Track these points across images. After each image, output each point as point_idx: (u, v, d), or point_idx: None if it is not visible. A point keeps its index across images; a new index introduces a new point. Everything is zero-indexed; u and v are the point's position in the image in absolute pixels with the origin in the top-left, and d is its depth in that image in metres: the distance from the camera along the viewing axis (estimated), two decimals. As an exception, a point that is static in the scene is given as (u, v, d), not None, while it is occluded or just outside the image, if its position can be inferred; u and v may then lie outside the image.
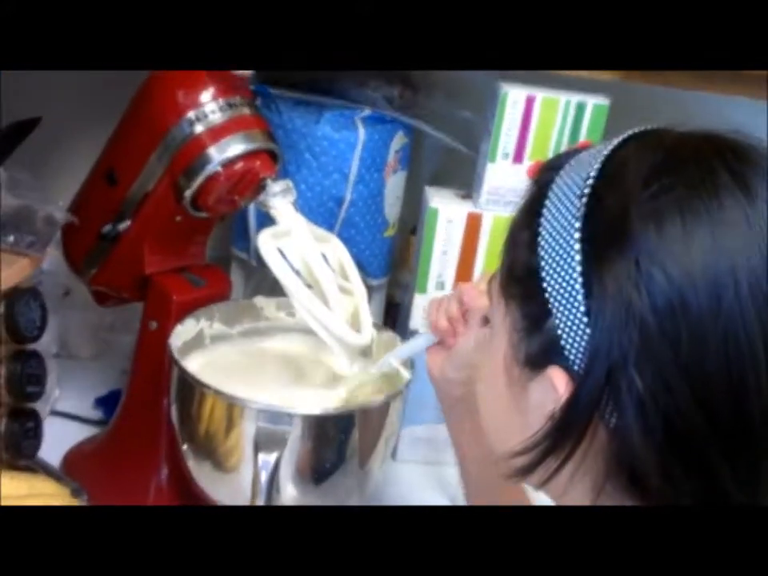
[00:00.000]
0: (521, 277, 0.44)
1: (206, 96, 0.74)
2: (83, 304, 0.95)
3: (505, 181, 0.86)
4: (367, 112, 0.91)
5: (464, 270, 0.89)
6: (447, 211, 0.88)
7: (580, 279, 0.40)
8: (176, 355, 0.72)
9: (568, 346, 0.41)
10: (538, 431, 0.42)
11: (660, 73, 0.81)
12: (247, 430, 0.67)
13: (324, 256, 0.75)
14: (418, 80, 0.97)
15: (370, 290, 0.97)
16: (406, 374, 0.73)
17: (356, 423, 0.69)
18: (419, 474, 0.92)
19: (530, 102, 0.84)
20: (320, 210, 0.93)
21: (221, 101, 0.74)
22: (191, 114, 0.73)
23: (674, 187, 0.39)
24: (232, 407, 0.68)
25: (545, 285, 0.42)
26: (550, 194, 0.43)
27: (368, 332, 0.73)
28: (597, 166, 0.42)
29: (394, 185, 0.96)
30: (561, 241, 0.41)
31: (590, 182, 0.42)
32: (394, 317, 1.04)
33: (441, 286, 0.89)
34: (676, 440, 0.39)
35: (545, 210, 0.43)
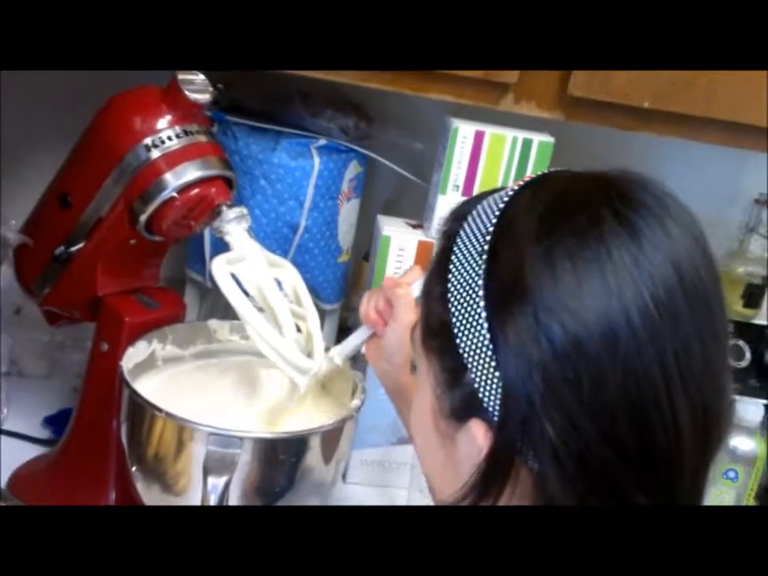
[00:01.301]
0: (436, 331, 0.46)
1: (163, 122, 0.75)
2: (34, 322, 0.95)
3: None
4: (323, 141, 0.94)
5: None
6: (399, 239, 0.90)
7: (488, 335, 0.42)
8: (127, 377, 0.73)
9: (486, 399, 0.43)
10: (467, 481, 0.44)
11: (599, 114, 0.85)
12: (197, 452, 0.68)
13: (278, 281, 0.77)
14: (373, 112, 1.00)
15: (324, 314, 0.99)
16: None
17: (308, 446, 0.70)
18: (369, 496, 0.93)
19: (479, 137, 0.88)
20: (275, 236, 0.94)
21: (177, 128, 0.76)
22: (148, 140, 0.75)
23: (563, 239, 0.42)
24: (182, 430, 0.69)
25: (458, 341, 0.44)
26: (455, 249, 0.46)
27: (319, 357, 0.75)
28: (494, 220, 0.45)
29: (348, 212, 0.99)
30: (468, 298, 0.44)
31: (488, 237, 0.44)
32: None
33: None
34: (590, 477, 0.41)
35: (451, 266, 0.45)
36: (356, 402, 0.76)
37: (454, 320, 0.44)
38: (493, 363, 0.42)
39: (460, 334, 0.44)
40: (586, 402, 0.41)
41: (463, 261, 0.45)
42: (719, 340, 0.44)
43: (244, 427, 0.71)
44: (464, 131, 0.88)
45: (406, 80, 0.83)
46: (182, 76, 0.75)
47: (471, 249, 0.45)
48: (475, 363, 0.43)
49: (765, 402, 1.03)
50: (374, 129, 0.99)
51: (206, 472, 0.67)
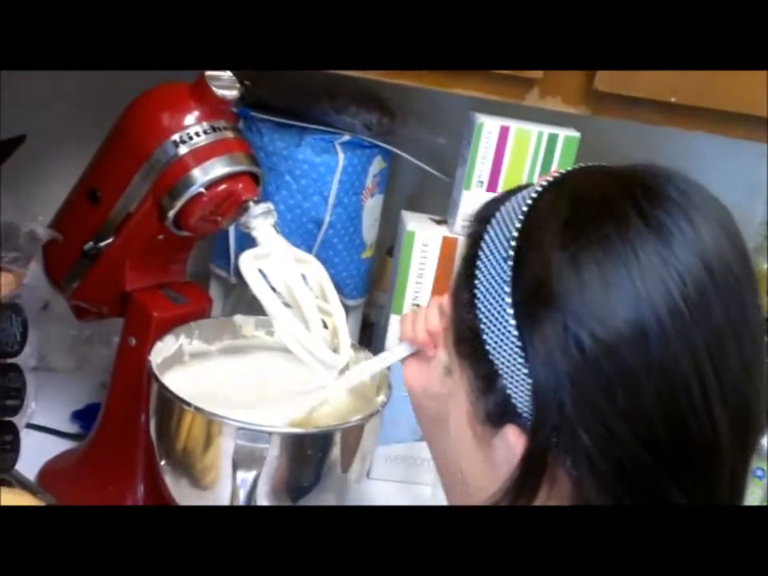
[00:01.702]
0: (467, 338, 0.45)
1: (191, 119, 0.76)
2: (61, 317, 0.96)
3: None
4: (347, 137, 0.94)
5: (439, 293, 0.91)
6: (423, 235, 0.90)
7: (518, 342, 0.42)
8: (156, 371, 0.74)
9: (520, 405, 0.42)
10: (503, 484, 0.44)
11: (625, 109, 0.85)
12: (225, 447, 0.69)
13: (303, 277, 0.77)
14: (396, 107, 1.00)
15: (347, 310, 0.99)
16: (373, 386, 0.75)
17: (334, 442, 0.71)
18: (393, 492, 0.94)
19: (503, 132, 0.88)
20: (299, 232, 0.95)
21: (205, 124, 0.76)
22: (176, 137, 0.75)
23: (589, 244, 0.41)
24: (211, 424, 0.70)
25: (488, 347, 0.43)
26: (480, 254, 0.45)
27: (346, 352, 0.75)
28: (517, 225, 0.44)
29: (372, 208, 0.99)
30: (495, 305, 0.43)
31: (513, 243, 0.43)
32: (369, 336, 1.06)
33: (416, 307, 0.92)
34: (627, 480, 0.41)
35: (477, 272, 0.45)
36: (381, 398, 0.76)
37: (483, 327, 0.44)
38: (524, 370, 0.42)
39: (490, 341, 0.43)
40: (621, 408, 0.40)
41: (489, 267, 0.44)
42: (754, 336, 0.43)
43: (272, 422, 0.71)
44: (489, 126, 0.87)
45: (431, 76, 0.83)
46: (210, 73, 0.75)
47: (497, 254, 0.44)
48: (507, 370, 0.43)
49: (791, 398, 1.02)
50: (398, 124, 0.99)
51: (235, 466, 0.68)
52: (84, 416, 0.94)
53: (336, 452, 0.72)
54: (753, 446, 0.44)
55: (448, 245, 0.90)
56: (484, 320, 0.44)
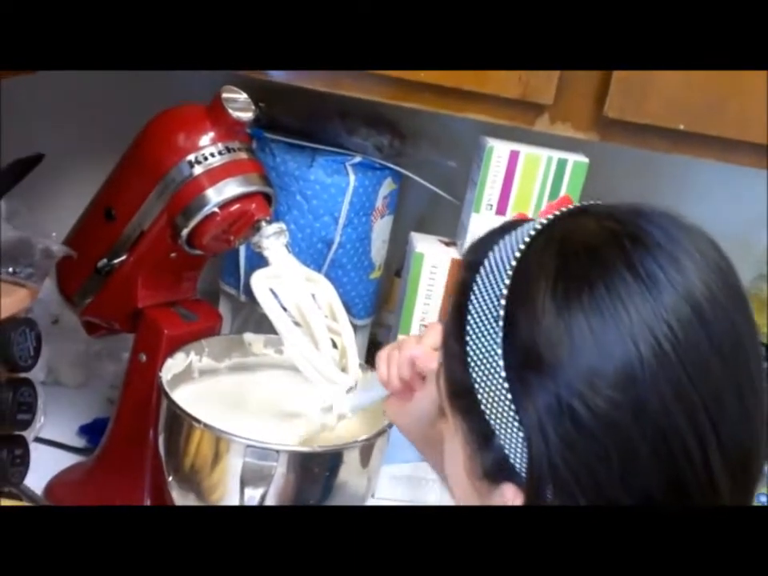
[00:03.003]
0: (460, 392, 0.45)
1: (206, 140, 0.77)
2: (71, 332, 0.97)
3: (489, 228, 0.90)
4: (358, 159, 0.95)
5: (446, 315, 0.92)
6: (432, 257, 0.91)
7: (512, 406, 0.41)
8: (166, 388, 0.74)
9: (517, 465, 0.42)
10: None
11: (634, 135, 0.86)
12: (234, 464, 0.69)
13: (313, 297, 0.78)
14: (407, 130, 1.01)
15: (355, 329, 0.99)
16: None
17: (341, 461, 0.71)
18: (397, 511, 0.94)
19: (513, 156, 0.89)
20: (309, 251, 0.96)
21: (220, 145, 0.77)
22: (191, 157, 0.76)
23: (580, 306, 0.40)
24: (219, 441, 0.70)
25: (482, 407, 0.43)
26: (470, 307, 0.44)
27: (354, 372, 0.76)
28: (506, 281, 0.42)
29: (381, 229, 1.00)
30: (488, 365, 0.42)
31: (503, 301, 0.42)
32: (375, 356, 1.07)
33: (424, 328, 0.92)
34: None
35: (468, 327, 0.43)
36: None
37: (476, 386, 0.43)
38: (520, 434, 0.41)
39: (484, 400, 0.43)
40: (617, 473, 0.40)
41: (480, 324, 0.43)
42: (754, 381, 0.42)
43: (280, 440, 0.72)
44: (499, 150, 0.89)
45: (443, 100, 0.84)
46: (226, 95, 0.77)
47: (487, 312, 0.43)
48: (502, 430, 0.42)
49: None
50: (408, 147, 1.00)
51: (243, 483, 0.68)
52: (91, 430, 0.95)
53: (343, 471, 0.72)
54: (754, 487, 0.44)
55: (457, 267, 0.91)
56: (477, 379, 0.43)
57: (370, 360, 1.04)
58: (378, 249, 1.01)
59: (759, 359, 0.43)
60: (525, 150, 0.89)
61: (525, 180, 0.89)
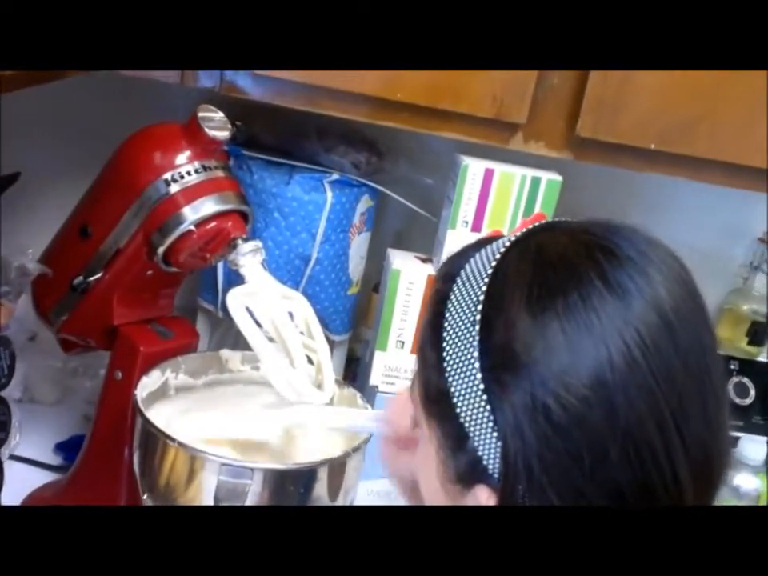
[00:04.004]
0: (435, 399, 0.46)
1: (183, 158, 0.77)
2: (47, 349, 0.97)
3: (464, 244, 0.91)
4: (335, 176, 0.96)
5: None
6: (409, 273, 0.92)
7: (488, 407, 0.43)
8: (141, 406, 0.74)
9: (490, 467, 0.43)
10: None
11: (606, 154, 0.87)
12: (208, 482, 0.69)
13: (290, 314, 0.78)
14: (385, 147, 1.02)
15: (332, 345, 1.00)
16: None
17: (317, 478, 0.71)
18: (374, 526, 0.94)
19: (488, 174, 0.90)
20: (287, 268, 0.96)
21: (196, 163, 0.78)
22: (167, 175, 0.77)
23: (554, 311, 0.42)
24: (194, 459, 0.70)
25: (458, 410, 0.44)
26: (447, 315, 0.45)
27: (330, 389, 0.76)
28: (483, 287, 0.44)
29: (359, 245, 1.01)
30: (464, 369, 0.44)
31: (479, 307, 0.44)
32: (353, 371, 1.07)
33: (401, 344, 0.93)
34: None
35: (445, 334, 0.45)
36: (364, 434, 0.77)
37: (453, 390, 0.44)
38: (494, 434, 0.43)
39: (460, 404, 0.44)
40: (588, 470, 0.41)
41: (457, 330, 0.44)
42: (716, 390, 0.44)
43: (254, 458, 0.72)
44: (474, 168, 0.90)
45: (418, 119, 0.85)
46: (202, 113, 0.77)
47: (464, 317, 0.44)
48: (477, 433, 0.43)
49: (769, 439, 1.03)
50: (386, 164, 1.01)
51: (217, 501, 0.68)
52: (67, 448, 0.94)
53: (319, 488, 0.72)
54: (715, 493, 0.45)
55: (433, 282, 0.92)
56: (453, 383, 0.44)
57: (347, 375, 1.06)
58: (356, 265, 1.01)
59: (720, 368, 0.45)
60: (499, 168, 0.90)
61: (499, 197, 0.90)
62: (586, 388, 0.41)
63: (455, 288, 0.46)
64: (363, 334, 1.09)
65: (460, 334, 0.44)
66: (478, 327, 0.44)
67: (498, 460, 0.43)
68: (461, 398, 0.44)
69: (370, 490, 0.95)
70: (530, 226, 0.47)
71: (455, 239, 0.91)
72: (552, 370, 0.41)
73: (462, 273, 0.46)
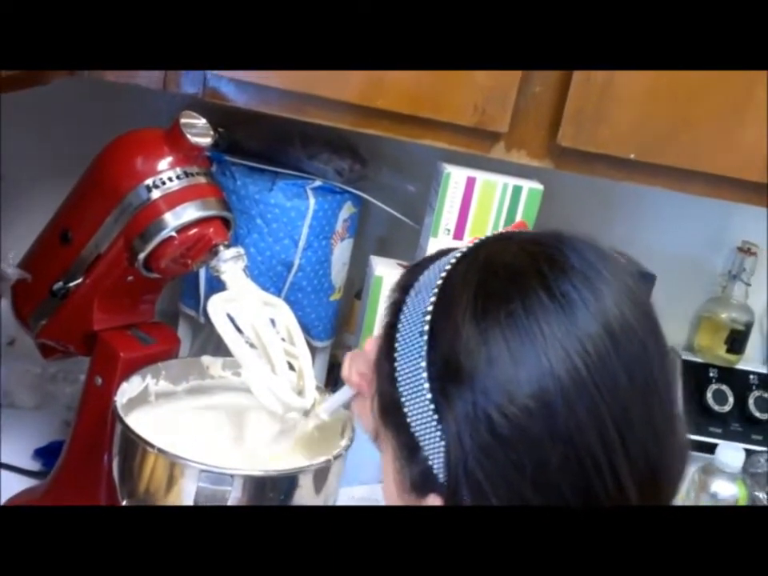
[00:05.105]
0: (389, 410, 0.47)
1: (164, 164, 0.77)
2: (26, 354, 0.96)
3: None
4: (318, 183, 0.96)
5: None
6: (391, 280, 0.91)
7: (435, 416, 0.43)
8: (120, 412, 0.74)
9: (441, 476, 0.44)
10: None
11: (587, 164, 0.88)
12: (188, 488, 0.69)
13: (272, 321, 0.78)
14: (368, 154, 1.02)
15: (315, 351, 1.00)
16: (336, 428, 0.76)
17: (297, 484, 0.71)
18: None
19: (470, 182, 0.90)
20: (269, 274, 0.96)
21: (178, 169, 0.78)
22: (149, 181, 0.77)
23: (497, 319, 0.42)
24: (174, 466, 0.70)
25: (409, 420, 0.45)
26: (400, 325, 0.46)
27: (311, 395, 0.76)
28: (432, 298, 0.45)
29: (341, 251, 1.01)
30: (413, 379, 0.44)
31: (427, 317, 0.44)
32: (335, 377, 1.07)
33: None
34: None
35: (397, 345, 0.46)
36: (345, 441, 0.77)
37: (404, 400, 0.45)
38: (442, 444, 0.43)
39: (411, 414, 0.44)
40: (530, 478, 0.42)
41: (408, 340, 0.45)
42: (663, 400, 0.44)
43: (234, 464, 0.72)
44: (456, 177, 0.90)
45: (401, 127, 0.86)
46: (185, 120, 0.77)
47: (413, 328, 0.45)
48: (427, 443, 0.44)
49: (746, 446, 1.04)
50: (369, 171, 1.02)
51: (197, 508, 0.68)
52: (46, 454, 0.94)
53: (299, 494, 0.72)
54: (668, 499, 0.45)
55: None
56: (404, 394, 0.45)
57: (330, 381, 1.06)
58: (338, 271, 1.01)
59: (670, 379, 0.45)
60: (481, 177, 0.91)
61: (481, 206, 0.91)
62: (527, 398, 0.41)
63: (407, 299, 0.46)
64: (345, 340, 1.09)
65: (410, 344, 0.45)
66: (425, 338, 0.44)
67: (445, 470, 0.43)
68: (411, 408, 0.44)
69: (351, 496, 0.95)
70: (482, 237, 0.47)
71: (437, 247, 0.90)
72: (494, 380, 0.42)
73: (416, 284, 0.47)
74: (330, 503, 0.78)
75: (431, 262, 0.48)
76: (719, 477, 0.95)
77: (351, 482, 0.93)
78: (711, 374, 1.13)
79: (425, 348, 0.44)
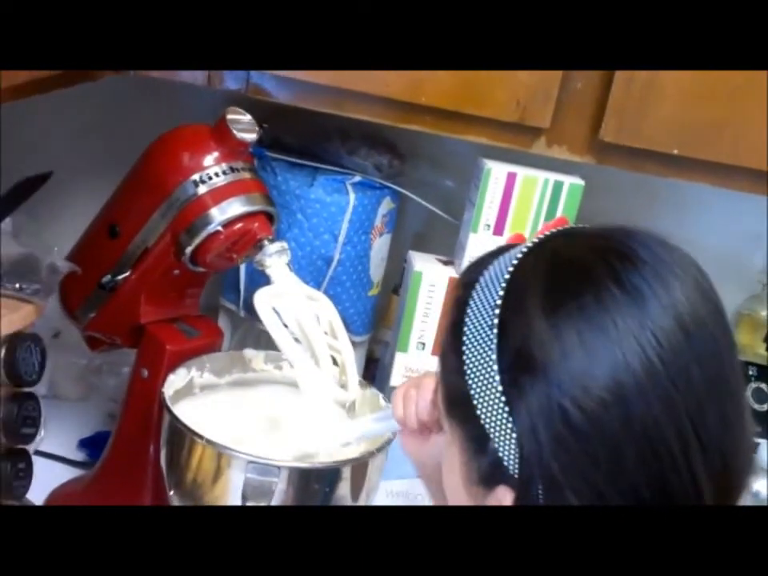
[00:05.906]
0: (457, 402, 0.47)
1: (211, 160, 0.78)
2: (72, 346, 0.98)
3: (485, 251, 0.91)
4: (358, 178, 0.97)
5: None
6: (430, 275, 0.93)
7: (506, 408, 0.44)
8: (168, 403, 0.75)
9: (511, 468, 0.44)
10: None
11: (629, 159, 0.88)
12: (235, 479, 0.70)
13: (317, 316, 0.79)
14: (406, 150, 1.03)
15: (353, 345, 1.01)
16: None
17: (341, 477, 0.72)
18: (392, 526, 0.94)
19: (511, 178, 0.90)
20: (309, 269, 0.97)
21: (224, 165, 0.79)
22: (196, 176, 0.78)
23: (568, 312, 0.42)
24: (221, 457, 0.71)
25: (478, 412, 0.45)
26: (467, 320, 0.46)
27: (354, 389, 0.77)
28: (500, 292, 0.45)
29: (380, 247, 1.01)
30: (484, 372, 0.45)
31: (497, 311, 0.45)
32: (373, 371, 1.08)
33: (421, 346, 0.94)
34: None
35: (465, 338, 0.46)
36: (388, 435, 0.78)
37: (473, 392, 0.45)
38: (514, 435, 0.43)
39: (480, 406, 0.45)
40: (604, 470, 0.42)
41: (476, 333, 0.45)
42: (733, 394, 0.44)
43: (280, 456, 0.73)
44: (497, 172, 0.90)
45: (443, 123, 0.86)
46: (231, 116, 0.78)
47: (482, 321, 0.45)
48: (497, 434, 0.44)
49: (787, 444, 1.03)
50: (407, 166, 1.02)
51: (245, 499, 0.69)
52: (91, 444, 0.95)
53: (343, 487, 0.73)
54: (736, 499, 0.45)
55: (454, 285, 0.92)
56: (473, 386, 0.45)
57: (367, 375, 1.06)
58: (377, 266, 1.02)
59: (739, 373, 0.45)
60: (522, 172, 0.91)
61: (522, 201, 0.91)
62: (602, 390, 0.41)
63: (474, 294, 0.47)
64: (383, 335, 1.09)
65: (479, 337, 0.45)
66: (495, 331, 0.44)
67: (517, 460, 0.43)
68: (481, 400, 0.45)
69: (390, 491, 0.96)
70: (547, 233, 0.48)
71: (477, 242, 0.91)
72: (569, 373, 0.42)
73: (481, 279, 0.47)
74: (373, 496, 0.79)
75: (493, 258, 0.48)
76: (762, 476, 0.94)
77: (390, 476, 0.94)
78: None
79: (495, 341, 0.44)
